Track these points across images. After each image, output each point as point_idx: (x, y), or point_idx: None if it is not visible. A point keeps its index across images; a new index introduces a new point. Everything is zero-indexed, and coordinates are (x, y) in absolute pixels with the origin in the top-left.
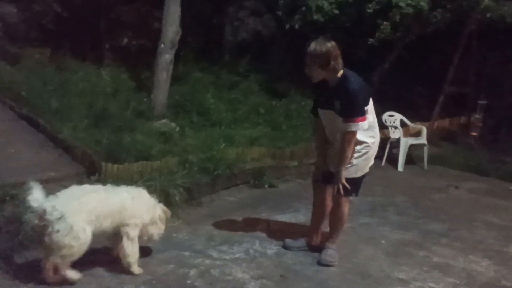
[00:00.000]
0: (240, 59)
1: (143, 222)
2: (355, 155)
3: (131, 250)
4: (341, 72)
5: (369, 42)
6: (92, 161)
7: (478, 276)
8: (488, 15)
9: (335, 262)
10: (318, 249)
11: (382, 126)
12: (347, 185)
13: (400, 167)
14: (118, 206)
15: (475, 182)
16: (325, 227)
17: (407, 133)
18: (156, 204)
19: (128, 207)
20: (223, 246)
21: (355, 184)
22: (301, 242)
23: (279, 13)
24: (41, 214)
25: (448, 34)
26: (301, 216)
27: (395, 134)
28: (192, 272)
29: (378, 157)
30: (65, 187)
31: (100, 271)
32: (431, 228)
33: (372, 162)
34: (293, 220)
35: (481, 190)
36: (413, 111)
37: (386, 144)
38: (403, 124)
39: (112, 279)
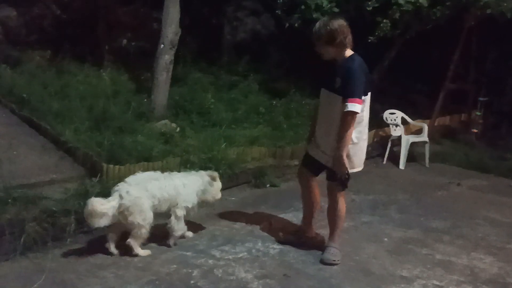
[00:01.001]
0: (239, 59)
1: (193, 203)
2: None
3: (178, 226)
4: (350, 52)
5: (368, 40)
6: (93, 163)
7: (482, 273)
8: (488, 11)
9: (338, 260)
10: (315, 241)
11: (383, 124)
12: (347, 171)
13: (402, 165)
14: (173, 192)
15: (476, 179)
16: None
17: (408, 130)
18: (202, 178)
19: (182, 192)
20: (225, 246)
21: (342, 178)
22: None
23: (278, 12)
24: (119, 201)
25: (448, 31)
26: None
27: (396, 131)
28: (195, 272)
29: (380, 155)
30: (68, 189)
31: (104, 272)
32: (434, 225)
33: (358, 165)
34: (294, 219)
35: (483, 187)
36: (413, 109)
37: (387, 142)
38: (404, 121)
39: (115, 279)
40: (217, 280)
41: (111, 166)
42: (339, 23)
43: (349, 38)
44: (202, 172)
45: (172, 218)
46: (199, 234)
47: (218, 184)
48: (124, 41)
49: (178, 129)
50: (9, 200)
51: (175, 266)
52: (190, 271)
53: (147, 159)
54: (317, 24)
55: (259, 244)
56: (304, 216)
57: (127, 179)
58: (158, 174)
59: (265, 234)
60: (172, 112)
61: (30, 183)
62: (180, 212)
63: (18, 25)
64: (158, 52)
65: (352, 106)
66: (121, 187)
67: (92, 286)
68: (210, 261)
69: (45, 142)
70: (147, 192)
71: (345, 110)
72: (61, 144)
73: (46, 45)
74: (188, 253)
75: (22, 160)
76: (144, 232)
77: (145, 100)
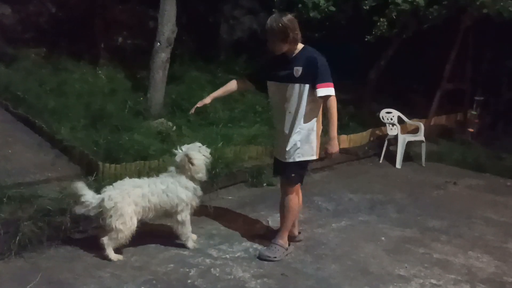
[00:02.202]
0: (236, 57)
1: (187, 202)
2: (299, 137)
3: (182, 230)
4: (301, 45)
5: (366, 39)
6: (89, 161)
7: (479, 272)
8: (485, 11)
9: (275, 257)
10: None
11: (380, 123)
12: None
13: (398, 164)
14: (157, 199)
15: (473, 179)
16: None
17: (405, 130)
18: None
19: (166, 200)
20: (223, 245)
21: (301, 169)
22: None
23: (275, 11)
24: (100, 202)
25: (445, 31)
26: (300, 214)
27: (392, 131)
28: (193, 271)
29: (376, 154)
30: (63, 188)
31: (100, 271)
32: (431, 225)
33: (314, 153)
34: None
35: (479, 186)
36: (410, 108)
37: (384, 141)
38: (400, 121)
39: (112, 279)
40: (215, 280)
41: (107, 164)
42: (289, 19)
43: (299, 33)
44: (172, 168)
45: (174, 224)
46: (196, 234)
47: (197, 162)
48: (121, 39)
49: (174, 127)
50: (4, 199)
51: (172, 265)
52: (187, 270)
53: (144, 158)
54: (269, 22)
55: (257, 243)
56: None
57: (114, 184)
58: (143, 181)
59: (263, 233)
60: (168, 110)
61: (25, 181)
62: (180, 217)
63: (13, 23)
64: (154, 50)
65: (329, 91)
66: (107, 190)
67: (89, 285)
68: (208, 261)
69: (41, 140)
70: (129, 198)
71: (324, 95)
72: (57, 142)
73: (42, 43)
74: (185, 253)
75: (18, 158)
76: (121, 237)
77: (142, 98)
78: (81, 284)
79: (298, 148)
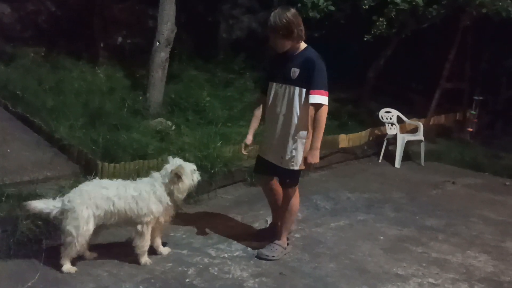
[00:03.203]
0: (235, 56)
1: (156, 212)
2: (295, 145)
3: (140, 243)
4: (304, 44)
5: (364, 38)
6: (88, 160)
7: (477, 271)
8: (484, 10)
9: (273, 257)
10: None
11: (379, 123)
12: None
13: (397, 164)
14: (125, 205)
15: (471, 178)
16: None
17: (404, 129)
18: (156, 181)
19: (134, 208)
20: (221, 244)
21: (295, 175)
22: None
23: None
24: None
25: (444, 30)
26: (298, 213)
27: (391, 130)
28: (191, 270)
29: (375, 153)
30: (62, 186)
31: (98, 270)
32: (429, 224)
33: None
34: None
35: (477, 185)
36: (409, 107)
37: (383, 141)
38: (399, 120)
39: (109, 277)
40: (213, 279)
41: (106, 163)
42: (294, 14)
43: (303, 29)
44: (156, 175)
45: (133, 233)
46: (194, 233)
47: (185, 182)
48: (120, 38)
49: (173, 126)
50: (2, 198)
51: (170, 264)
52: (185, 269)
53: (143, 157)
54: (272, 17)
55: (255, 242)
56: (274, 216)
57: (80, 185)
58: (111, 183)
59: (261, 232)
60: (167, 109)
61: (23, 180)
62: (141, 227)
63: (12, 21)
64: (153, 50)
65: (322, 99)
66: (70, 192)
67: (86, 284)
68: (206, 260)
69: (39, 139)
70: (90, 200)
71: (315, 102)
72: (56, 141)
73: (40, 41)
74: (183, 252)
75: (16, 157)
76: (73, 244)
77: (141, 97)
78: (79, 282)
79: (293, 156)
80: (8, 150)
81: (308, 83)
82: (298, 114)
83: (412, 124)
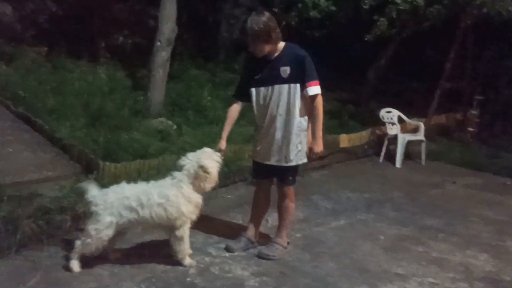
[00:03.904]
0: (236, 56)
1: (187, 217)
2: (298, 139)
3: (179, 247)
4: (282, 43)
5: (365, 38)
6: (89, 160)
7: (476, 270)
8: (484, 10)
9: (274, 256)
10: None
11: (380, 123)
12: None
13: (398, 163)
14: (148, 215)
15: (471, 178)
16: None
17: (405, 129)
18: (182, 179)
19: (162, 214)
20: (222, 244)
21: (297, 170)
22: (244, 241)
23: (275, 10)
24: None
25: (444, 30)
26: (299, 213)
27: (392, 130)
28: (192, 269)
29: (376, 153)
30: (63, 186)
31: (98, 269)
32: (428, 223)
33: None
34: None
35: (477, 185)
36: (410, 107)
37: (383, 141)
38: (400, 120)
39: (110, 277)
40: (214, 278)
41: (107, 163)
42: (270, 17)
43: (279, 31)
44: (179, 175)
45: (171, 239)
46: (195, 232)
47: (212, 173)
48: (121, 38)
49: (174, 126)
50: (4, 198)
51: (170, 263)
52: (186, 268)
53: (144, 157)
54: (249, 25)
55: (255, 241)
56: (255, 221)
57: (107, 189)
58: (133, 190)
59: (261, 231)
60: (168, 109)
61: (24, 180)
62: (179, 232)
63: (13, 21)
64: (154, 49)
65: (318, 89)
66: (97, 192)
67: (87, 283)
68: (207, 259)
69: (40, 139)
70: (113, 209)
71: (312, 94)
72: (57, 141)
73: (41, 41)
74: None
75: (17, 157)
76: (89, 244)
77: (142, 97)
78: (80, 282)
79: (300, 151)
80: (10, 150)
81: (302, 77)
82: (298, 109)
83: (413, 124)
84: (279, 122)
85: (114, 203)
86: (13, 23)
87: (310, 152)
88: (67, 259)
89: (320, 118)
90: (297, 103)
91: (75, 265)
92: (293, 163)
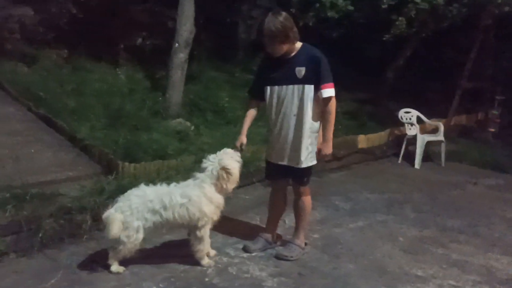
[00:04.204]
0: (254, 57)
1: (209, 218)
2: (309, 141)
3: (198, 247)
4: (299, 43)
5: (384, 38)
6: (109, 161)
7: (498, 273)
8: (506, 8)
9: (292, 257)
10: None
11: (398, 123)
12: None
13: (417, 164)
14: (171, 216)
15: (493, 178)
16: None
17: (424, 129)
18: (203, 181)
19: (185, 214)
20: (240, 244)
21: (310, 172)
22: (262, 241)
23: (293, 10)
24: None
25: (465, 29)
26: (317, 213)
27: (411, 131)
28: (210, 270)
29: (395, 154)
30: (83, 186)
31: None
32: (449, 225)
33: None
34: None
35: (499, 186)
36: (429, 108)
37: (402, 141)
38: (419, 120)
39: (131, 276)
40: (232, 278)
41: (127, 163)
42: (286, 17)
43: (297, 31)
44: (201, 176)
45: (192, 238)
46: (214, 232)
47: (234, 173)
48: (139, 40)
49: (192, 127)
50: (26, 197)
51: (190, 263)
52: (205, 268)
53: (162, 157)
54: (266, 25)
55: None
56: (272, 222)
57: (129, 193)
58: (156, 193)
59: (280, 232)
60: (186, 110)
61: (46, 180)
62: (199, 232)
63: (34, 24)
64: (173, 51)
65: (332, 92)
66: (119, 200)
67: (108, 282)
68: (225, 259)
69: (61, 139)
70: (138, 213)
71: (326, 96)
72: (77, 141)
73: (62, 43)
74: None
75: (39, 158)
76: (123, 250)
77: (160, 98)
78: (101, 281)
79: (310, 152)
80: (32, 151)
81: (317, 79)
82: (311, 110)
83: (432, 124)
84: (292, 123)
85: (139, 207)
86: (35, 26)
87: (319, 154)
88: (89, 258)
89: (332, 121)
90: (310, 104)
91: (117, 268)
92: (303, 165)
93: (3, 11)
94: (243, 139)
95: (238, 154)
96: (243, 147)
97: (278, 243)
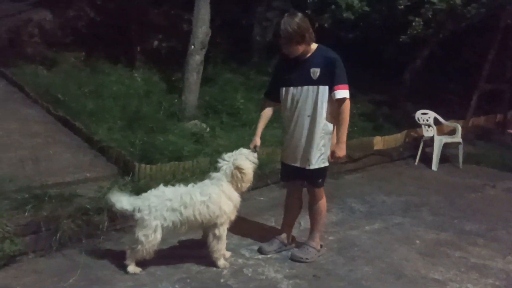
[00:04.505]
0: (269, 59)
1: (228, 216)
2: (323, 142)
3: (217, 246)
4: (315, 44)
5: (400, 39)
6: (126, 162)
7: None
8: None
9: (307, 259)
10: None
11: (415, 124)
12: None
13: (434, 166)
14: (192, 214)
15: None
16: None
17: (441, 131)
18: (219, 181)
19: (205, 212)
20: (255, 246)
21: (325, 172)
22: (277, 243)
23: (308, 12)
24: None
25: (483, 29)
26: (333, 216)
27: (428, 132)
28: (225, 271)
29: (411, 156)
30: (101, 187)
31: None
32: (467, 228)
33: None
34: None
35: None
36: (447, 109)
37: (419, 143)
38: (436, 122)
39: (147, 276)
40: (247, 280)
41: (143, 165)
42: (302, 19)
43: (313, 32)
44: (218, 175)
45: (209, 237)
46: (229, 234)
47: (248, 172)
48: (156, 42)
49: (208, 129)
50: (45, 198)
51: (205, 264)
52: (220, 270)
53: (178, 159)
54: (282, 26)
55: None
56: (287, 224)
57: (148, 194)
58: (175, 192)
59: (295, 234)
60: (202, 112)
61: (65, 181)
62: (218, 231)
63: (54, 27)
64: (189, 53)
65: (346, 93)
66: (139, 199)
67: (125, 282)
68: (240, 261)
69: (80, 141)
70: (157, 212)
71: (339, 97)
72: (95, 143)
73: (80, 47)
74: None
75: (58, 159)
76: (141, 250)
77: (176, 100)
78: (118, 281)
79: (323, 153)
80: (51, 152)
81: (331, 80)
82: (324, 111)
83: (450, 126)
84: (306, 123)
85: (158, 206)
86: (54, 29)
87: (332, 156)
88: (106, 258)
89: (346, 123)
90: (325, 106)
91: (134, 269)
92: (314, 166)
93: (23, 15)
94: (257, 141)
95: (255, 154)
96: (257, 148)
97: (293, 245)
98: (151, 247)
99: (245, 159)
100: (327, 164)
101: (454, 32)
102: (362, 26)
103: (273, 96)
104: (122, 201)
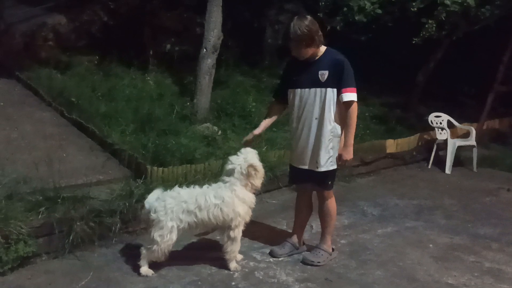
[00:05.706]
0: (281, 62)
1: (242, 218)
2: (331, 144)
3: (231, 247)
4: (323, 47)
5: (413, 41)
6: (138, 165)
7: None
8: None
9: (318, 262)
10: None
11: (428, 127)
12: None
13: (448, 170)
14: (206, 216)
15: None
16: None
17: (455, 134)
18: (233, 183)
19: (219, 215)
20: (266, 249)
21: (334, 174)
22: (289, 246)
23: (320, 14)
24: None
25: (497, 31)
26: (345, 219)
27: (442, 135)
28: (236, 273)
29: (425, 159)
30: (113, 190)
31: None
32: (482, 232)
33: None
34: (336, 223)
35: None
36: (460, 112)
37: (432, 146)
38: (450, 125)
39: (158, 278)
40: (258, 282)
41: (155, 168)
42: (312, 21)
43: (321, 35)
44: (230, 179)
45: (225, 238)
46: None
47: (260, 169)
48: (168, 46)
49: (220, 131)
50: (59, 200)
51: (216, 267)
52: (231, 272)
53: (190, 161)
54: (292, 29)
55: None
56: (299, 226)
57: (164, 194)
58: (190, 194)
59: (306, 237)
60: (214, 115)
61: (78, 183)
62: (233, 233)
63: (68, 31)
64: (201, 56)
65: (353, 96)
66: (155, 200)
67: (136, 284)
68: (251, 263)
69: (93, 143)
70: (172, 214)
71: (346, 100)
72: (108, 145)
73: (94, 50)
74: None
75: (71, 161)
76: (156, 250)
77: (188, 103)
78: (129, 282)
79: (331, 156)
80: (64, 155)
81: (339, 83)
82: (332, 114)
83: (463, 128)
84: (313, 126)
85: (174, 208)
86: (68, 33)
87: (340, 159)
88: (118, 260)
89: (353, 126)
90: (333, 108)
91: (147, 270)
92: (323, 169)
93: (38, 19)
94: (257, 131)
95: (255, 151)
96: (254, 138)
97: (305, 248)
98: (166, 247)
99: (255, 156)
100: (335, 167)
101: (468, 33)
102: (375, 29)
103: (281, 98)
104: (148, 198)
